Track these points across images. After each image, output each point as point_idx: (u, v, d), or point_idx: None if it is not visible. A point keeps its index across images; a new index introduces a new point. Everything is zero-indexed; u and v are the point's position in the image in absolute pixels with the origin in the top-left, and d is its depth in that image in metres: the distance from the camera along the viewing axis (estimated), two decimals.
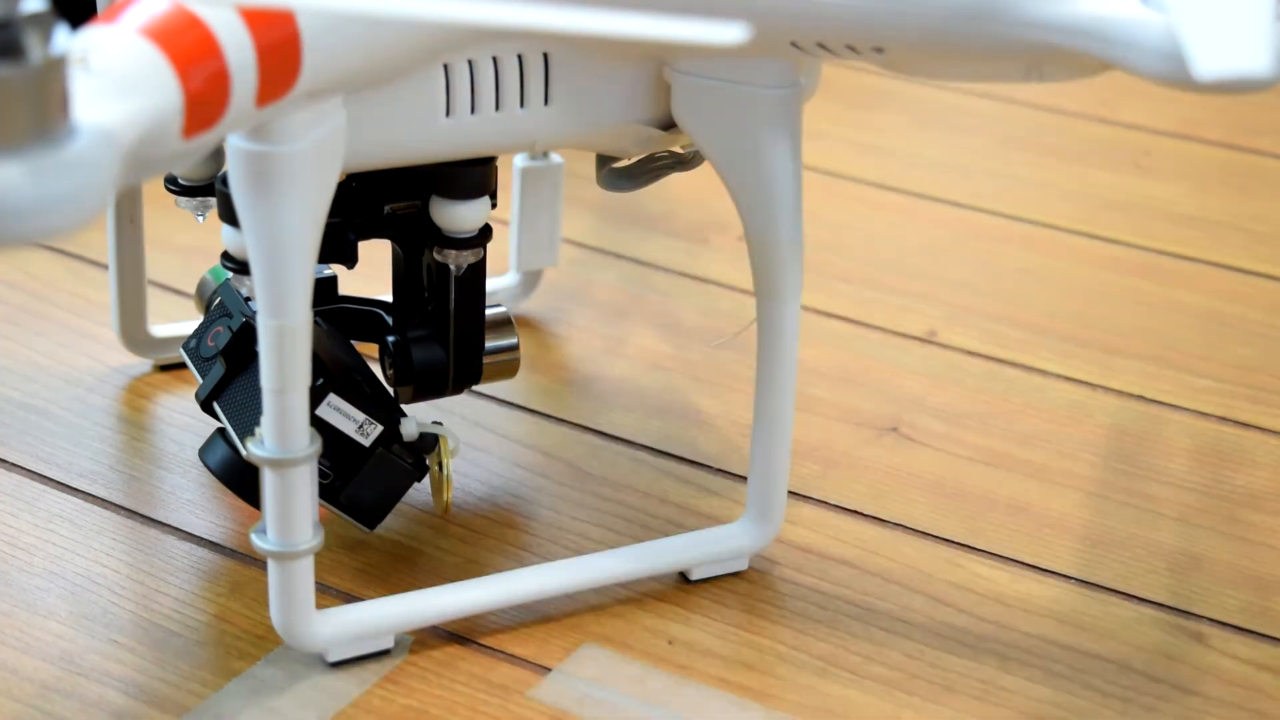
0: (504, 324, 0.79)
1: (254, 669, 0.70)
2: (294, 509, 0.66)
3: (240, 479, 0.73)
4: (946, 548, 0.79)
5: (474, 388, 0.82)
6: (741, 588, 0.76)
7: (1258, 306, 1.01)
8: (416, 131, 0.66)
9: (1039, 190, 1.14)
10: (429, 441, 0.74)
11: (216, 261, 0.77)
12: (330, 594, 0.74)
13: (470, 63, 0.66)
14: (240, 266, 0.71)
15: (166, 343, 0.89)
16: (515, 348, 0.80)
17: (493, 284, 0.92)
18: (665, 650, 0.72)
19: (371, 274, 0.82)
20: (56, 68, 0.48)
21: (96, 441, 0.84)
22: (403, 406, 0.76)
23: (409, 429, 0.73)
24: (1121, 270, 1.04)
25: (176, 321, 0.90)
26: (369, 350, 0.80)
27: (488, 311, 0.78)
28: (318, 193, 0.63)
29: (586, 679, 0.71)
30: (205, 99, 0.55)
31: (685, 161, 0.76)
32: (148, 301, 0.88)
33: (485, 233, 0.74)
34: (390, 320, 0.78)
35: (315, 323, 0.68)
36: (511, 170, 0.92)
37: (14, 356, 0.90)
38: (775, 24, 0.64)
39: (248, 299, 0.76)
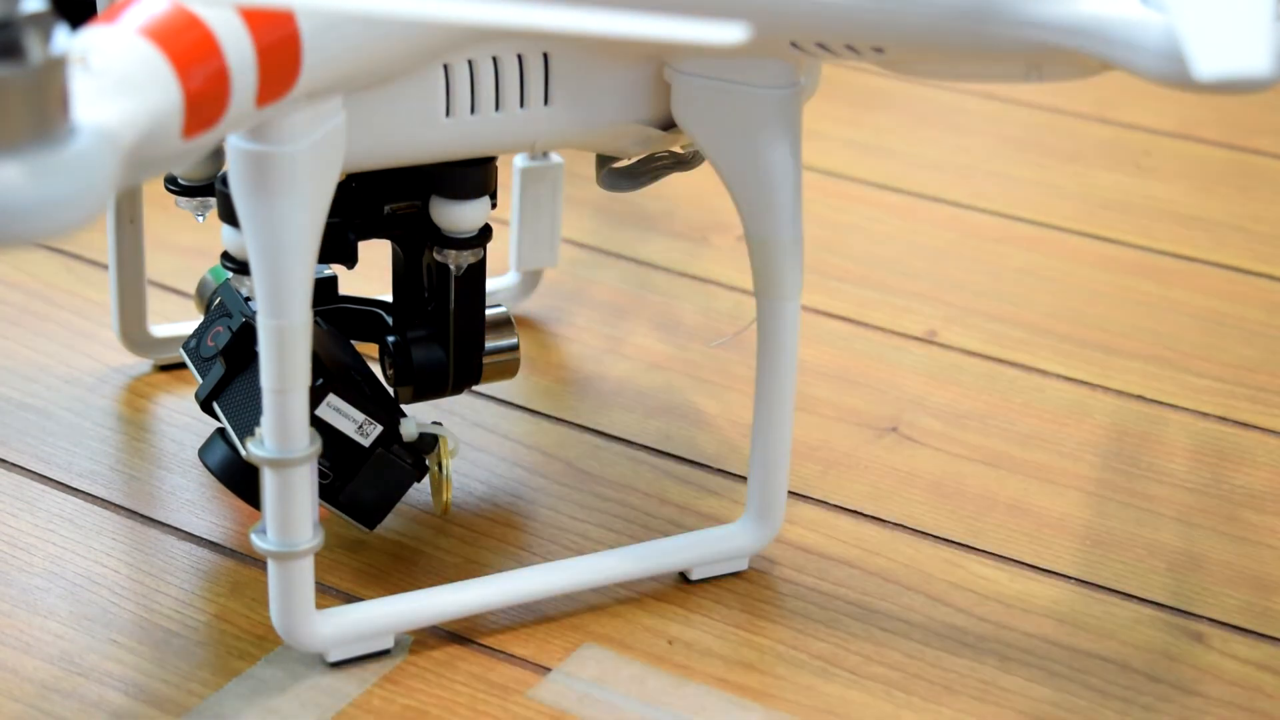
0: (504, 324, 0.79)
1: (254, 669, 0.70)
2: (294, 509, 0.66)
3: (240, 479, 0.73)
4: (946, 548, 0.79)
5: (474, 388, 0.82)
6: (741, 588, 0.76)
7: (1258, 306, 1.01)
8: (416, 132, 0.66)
9: (1039, 190, 1.14)
10: (429, 441, 0.74)
11: (216, 261, 0.77)
12: (330, 594, 0.74)
13: (470, 63, 0.66)
14: (240, 266, 0.71)
15: (166, 343, 0.89)
16: (515, 348, 0.80)
17: (493, 284, 0.92)
18: (665, 650, 0.72)
19: (371, 274, 0.82)
20: (56, 68, 0.48)
21: (96, 441, 0.84)
22: (403, 406, 0.76)
23: (409, 429, 0.73)
24: (1121, 270, 1.04)
25: (176, 321, 0.90)
26: (369, 350, 0.80)
27: (488, 311, 0.78)
28: (318, 193, 0.63)
29: (586, 679, 0.71)
30: (205, 99, 0.55)
31: (685, 161, 0.76)
32: (148, 301, 0.88)
33: (485, 233, 0.74)
34: (390, 320, 0.78)
35: (315, 323, 0.68)
36: (511, 170, 0.92)
37: (14, 356, 0.90)
38: (775, 24, 0.64)
39: (248, 299, 0.76)
